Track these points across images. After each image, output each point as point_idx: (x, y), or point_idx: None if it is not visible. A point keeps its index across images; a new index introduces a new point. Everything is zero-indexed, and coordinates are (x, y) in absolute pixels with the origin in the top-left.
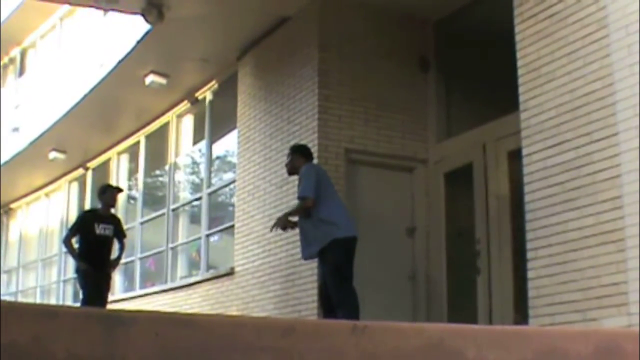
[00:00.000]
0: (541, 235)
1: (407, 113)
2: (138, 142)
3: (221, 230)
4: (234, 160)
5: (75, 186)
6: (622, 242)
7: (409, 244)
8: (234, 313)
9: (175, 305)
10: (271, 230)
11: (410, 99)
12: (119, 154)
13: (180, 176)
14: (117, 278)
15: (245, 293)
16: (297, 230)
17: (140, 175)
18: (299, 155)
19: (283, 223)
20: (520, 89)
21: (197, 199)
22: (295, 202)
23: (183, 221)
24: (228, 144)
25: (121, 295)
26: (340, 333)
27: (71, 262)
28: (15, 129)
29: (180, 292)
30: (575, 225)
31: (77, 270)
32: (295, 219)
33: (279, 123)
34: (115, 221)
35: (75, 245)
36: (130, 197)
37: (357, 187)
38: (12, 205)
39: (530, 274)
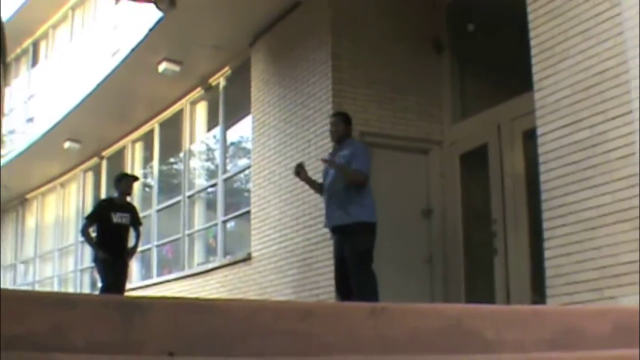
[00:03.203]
0: (557, 214)
1: (422, 95)
2: (152, 130)
3: (237, 216)
4: (249, 145)
5: (90, 175)
6: (638, 219)
7: (425, 226)
8: (252, 298)
9: (193, 292)
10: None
11: (424, 80)
12: (134, 142)
13: (195, 163)
14: (134, 266)
15: (262, 278)
16: (312, 214)
17: (155, 163)
18: (348, 125)
19: (301, 171)
20: (534, 69)
21: (212, 186)
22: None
23: (199, 208)
24: (242, 130)
25: (139, 283)
26: (358, 315)
27: (88, 251)
28: (30, 120)
29: (197, 278)
30: (591, 204)
31: (95, 259)
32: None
33: (293, 107)
34: (131, 209)
35: (93, 234)
36: (145, 185)
37: (373, 170)
38: (28, 196)
39: (547, 254)
